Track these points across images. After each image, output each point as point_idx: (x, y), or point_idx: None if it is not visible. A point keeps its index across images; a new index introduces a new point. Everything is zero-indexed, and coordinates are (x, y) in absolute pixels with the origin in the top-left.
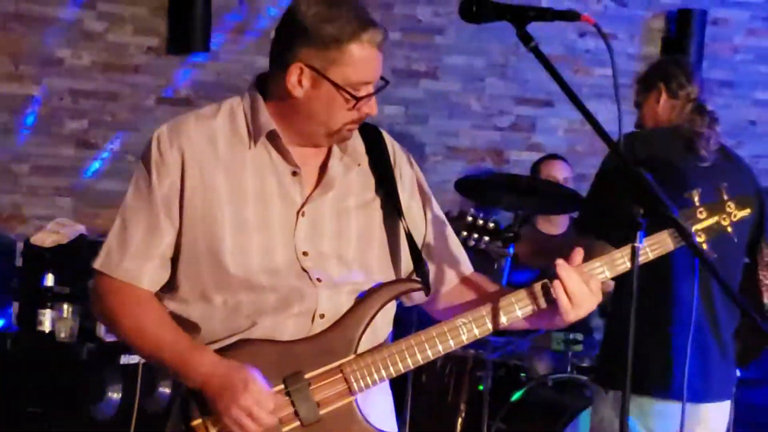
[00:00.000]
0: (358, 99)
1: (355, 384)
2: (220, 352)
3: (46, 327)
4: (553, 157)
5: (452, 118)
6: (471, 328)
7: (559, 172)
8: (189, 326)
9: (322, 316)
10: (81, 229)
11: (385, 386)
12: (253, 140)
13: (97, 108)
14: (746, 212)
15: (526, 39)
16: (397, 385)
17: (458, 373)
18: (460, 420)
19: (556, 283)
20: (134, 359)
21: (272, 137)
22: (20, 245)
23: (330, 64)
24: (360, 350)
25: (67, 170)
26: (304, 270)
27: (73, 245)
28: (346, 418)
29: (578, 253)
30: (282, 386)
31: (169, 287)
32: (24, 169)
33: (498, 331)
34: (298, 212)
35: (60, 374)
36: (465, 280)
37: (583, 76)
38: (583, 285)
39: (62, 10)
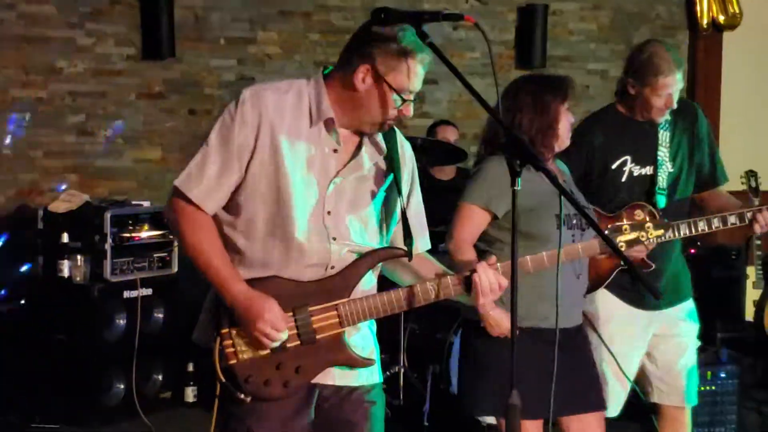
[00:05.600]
0: (404, 101)
1: (345, 320)
2: (254, 281)
3: (65, 273)
4: (446, 122)
5: None
6: (438, 292)
7: (451, 134)
8: (234, 249)
9: (332, 267)
10: (86, 197)
11: (371, 324)
12: (313, 120)
13: (91, 104)
14: (660, 232)
15: (422, 36)
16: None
17: None
18: None
19: (474, 278)
20: (134, 293)
21: (327, 121)
22: (40, 212)
23: (391, 71)
24: (353, 296)
25: (72, 153)
26: (325, 227)
27: (81, 210)
28: (336, 344)
29: (492, 258)
30: (291, 313)
31: (228, 212)
32: (39, 154)
33: None
34: (330, 180)
35: (77, 308)
36: (421, 255)
37: (458, 59)
38: (492, 282)
39: (59, 30)
